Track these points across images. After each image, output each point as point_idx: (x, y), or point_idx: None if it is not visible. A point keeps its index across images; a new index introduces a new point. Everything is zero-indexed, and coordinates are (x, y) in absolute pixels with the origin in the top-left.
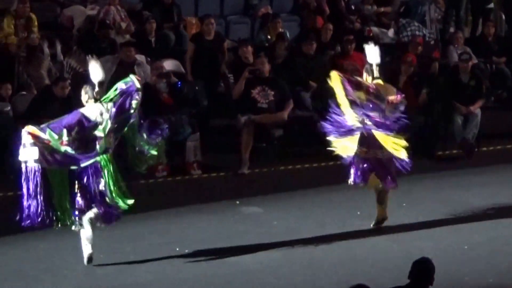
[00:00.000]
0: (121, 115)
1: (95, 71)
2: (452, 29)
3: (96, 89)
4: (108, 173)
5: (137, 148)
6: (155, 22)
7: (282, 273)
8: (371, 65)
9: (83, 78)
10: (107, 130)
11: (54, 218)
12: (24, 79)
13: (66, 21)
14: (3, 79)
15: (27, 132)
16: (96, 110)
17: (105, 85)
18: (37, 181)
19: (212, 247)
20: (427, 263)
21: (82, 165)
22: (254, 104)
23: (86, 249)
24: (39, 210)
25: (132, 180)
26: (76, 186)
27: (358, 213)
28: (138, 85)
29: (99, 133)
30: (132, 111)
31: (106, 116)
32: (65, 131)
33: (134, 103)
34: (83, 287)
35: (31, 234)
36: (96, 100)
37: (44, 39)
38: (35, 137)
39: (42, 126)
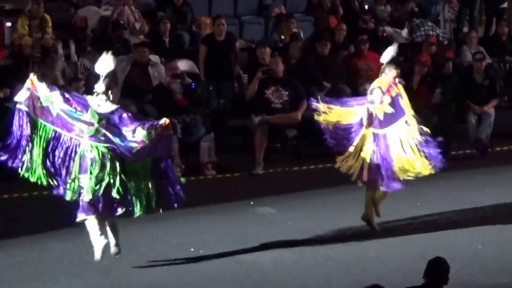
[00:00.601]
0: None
1: (105, 64)
2: (465, 29)
3: (100, 82)
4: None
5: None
6: (169, 23)
7: (297, 273)
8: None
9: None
10: (98, 121)
11: (23, 164)
12: (39, 80)
13: (80, 22)
14: (17, 79)
15: (30, 79)
16: (95, 101)
17: (109, 80)
18: (21, 122)
19: (227, 247)
20: (442, 263)
21: (65, 133)
22: (268, 104)
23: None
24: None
25: None
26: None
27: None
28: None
29: (91, 119)
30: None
31: (103, 110)
32: (57, 92)
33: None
34: (100, 287)
35: (48, 235)
36: (97, 94)
37: (58, 39)
38: (33, 85)
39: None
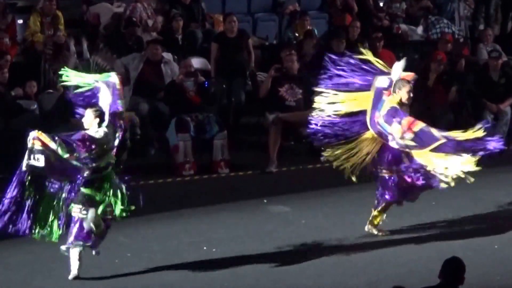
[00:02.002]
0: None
1: (107, 95)
2: (481, 26)
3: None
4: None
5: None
6: (182, 20)
7: (311, 272)
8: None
9: None
10: (110, 146)
11: (33, 227)
12: (50, 77)
13: (92, 19)
14: (29, 77)
15: (36, 137)
16: (101, 131)
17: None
18: (29, 189)
19: (240, 246)
20: (458, 263)
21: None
22: (282, 102)
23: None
24: (21, 217)
25: (159, 178)
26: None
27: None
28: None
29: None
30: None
31: (111, 137)
32: (75, 146)
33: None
34: (112, 286)
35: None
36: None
37: (71, 36)
38: (44, 144)
39: (53, 135)
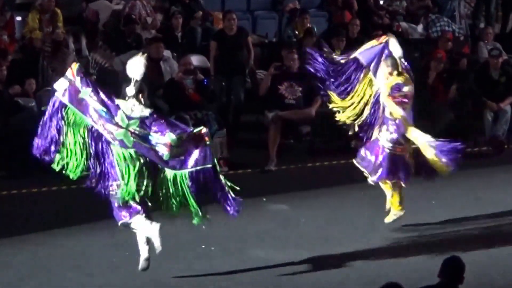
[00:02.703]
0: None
1: (137, 67)
2: (482, 25)
3: (131, 85)
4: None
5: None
6: (181, 17)
7: (310, 272)
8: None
9: (109, 74)
10: (127, 126)
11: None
12: (49, 75)
13: (91, 16)
14: (27, 74)
15: (71, 68)
16: (127, 105)
17: (140, 84)
18: (54, 114)
19: (238, 244)
20: (458, 262)
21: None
22: (281, 100)
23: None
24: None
25: None
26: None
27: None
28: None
29: (121, 122)
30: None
31: (135, 114)
32: (90, 90)
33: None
34: (109, 285)
35: (58, 231)
36: (128, 97)
37: (69, 34)
38: (74, 76)
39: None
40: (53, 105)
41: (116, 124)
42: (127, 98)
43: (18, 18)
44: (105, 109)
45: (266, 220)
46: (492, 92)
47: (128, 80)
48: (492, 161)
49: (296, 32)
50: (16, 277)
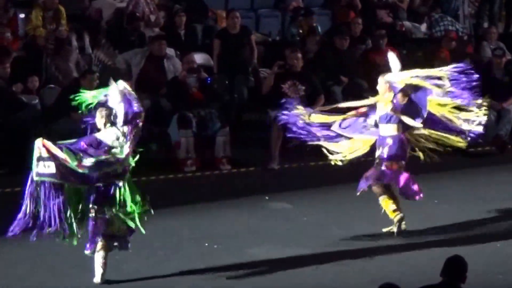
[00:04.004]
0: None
1: (115, 95)
2: (485, 24)
3: (114, 112)
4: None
5: None
6: (184, 15)
7: (312, 270)
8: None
9: (112, 72)
10: (124, 152)
11: (65, 230)
12: (52, 72)
13: (94, 14)
14: (31, 71)
15: (42, 145)
16: (112, 135)
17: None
18: (50, 194)
19: (241, 242)
20: (460, 261)
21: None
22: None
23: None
24: (52, 220)
25: (161, 174)
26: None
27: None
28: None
29: (117, 154)
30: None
31: (122, 140)
32: (81, 154)
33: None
34: (111, 282)
35: None
36: (112, 124)
37: (73, 31)
38: (50, 152)
39: (59, 143)
40: (44, 190)
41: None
42: (108, 125)
43: (21, 16)
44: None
45: (269, 218)
46: (495, 91)
47: (110, 109)
48: (495, 160)
49: (300, 31)
50: (18, 274)
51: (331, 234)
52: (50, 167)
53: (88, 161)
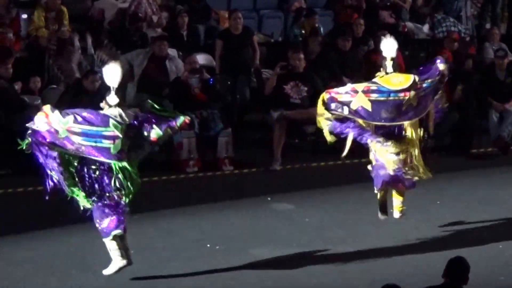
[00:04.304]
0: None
1: (114, 74)
2: (488, 25)
3: (112, 94)
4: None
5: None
6: (187, 16)
7: (314, 271)
8: (385, 59)
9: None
10: (121, 131)
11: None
12: (54, 73)
13: (97, 14)
14: (33, 72)
15: (43, 111)
16: (115, 111)
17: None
18: (45, 151)
19: (243, 243)
20: (462, 262)
21: (94, 158)
22: (287, 99)
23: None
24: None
25: (163, 175)
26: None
27: (391, 210)
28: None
29: (115, 131)
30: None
31: (126, 119)
32: (72, 116)
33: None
34: (113, 282)
35: (62, 229)
36: (110, 106)
37: (75, 32)
38: (48, 118)
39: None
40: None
41: (110, 137)
42: (110, 106)
43: (24, 16)
44: (93, 127)
45: (271, 219)
46: (497, 92)
47: (108, 89)
48: (497, 161)
49: (303, 32)
50: (20, 274)
51: (334, 235)
52: (43, 125)
53: (78, 127)
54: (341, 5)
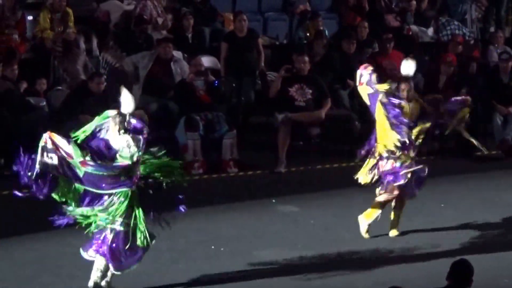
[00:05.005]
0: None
1: (127, 101)
2: (492, 29)
3: (127, 119)
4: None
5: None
6: (192, 18)
7: (319, 272)
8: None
9: (119, 74)
10: (135, 158)
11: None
12: (60, 74)
13: (102, 16)
14: (38, 74)
15: (49, 137)
16: (123, 142)
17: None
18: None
19: (248, 245)
20: (466, 264)
21: (101, 191)
22: (291, 102)
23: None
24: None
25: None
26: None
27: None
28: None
29: (125, 160)
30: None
31: (134, 149)
32: (89, 152)
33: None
34: (117, 283)
35: (67, 230)
36: (126, 131)
37: (80, 34)
38: (55, 145)
39: (67, 138)
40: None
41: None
42: (122, 131)
43: (30, 18)
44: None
45: (275, 221)
46: (501, 96)
47: (123, 114)
48: (501, 164)
49: (308, 34)
50: (25, 275)
51: (338, 237)
52: (53, 159)
53: (92, 161)
54: (346, 8)
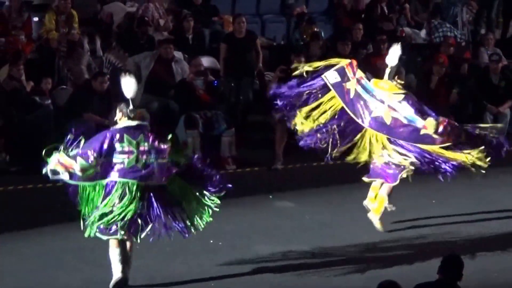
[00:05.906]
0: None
1: (129, 87)
2: (483, 31)
3: (130, 107)
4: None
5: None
6: (193, 20)
7: (314, 267)
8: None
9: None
10: (136, 146)
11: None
12: (64, 74)
13: (106, 18)
14: (44, 73)
15: (58, 161)
16: (129, 124)
17: (136, 102)
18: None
19: (245, 240)
20: (457, 259)
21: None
22: None
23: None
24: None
25: None
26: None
27: (389, 210)
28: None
29: (130, 146)
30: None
31: (141, 136)
32: (94, 158)
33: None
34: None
35: (71, 225)
36: (130, 118)
37: (85, 35)
38: (65, 167)
39: (72, 154)
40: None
41: (125, 152)
42: (124, 119)
43: (35, 19)
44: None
45: (272, 216)
46: (492, 96)
47: (126, 101)
48: (492, 163)
49: (304, 36)
50: (30, 269)
51: (333, 232)
52: (64, 175)
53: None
54: (342, 11)
